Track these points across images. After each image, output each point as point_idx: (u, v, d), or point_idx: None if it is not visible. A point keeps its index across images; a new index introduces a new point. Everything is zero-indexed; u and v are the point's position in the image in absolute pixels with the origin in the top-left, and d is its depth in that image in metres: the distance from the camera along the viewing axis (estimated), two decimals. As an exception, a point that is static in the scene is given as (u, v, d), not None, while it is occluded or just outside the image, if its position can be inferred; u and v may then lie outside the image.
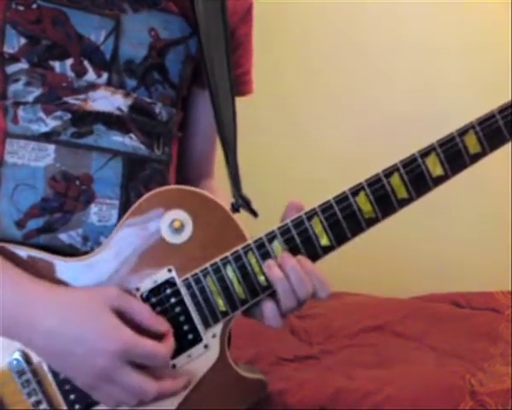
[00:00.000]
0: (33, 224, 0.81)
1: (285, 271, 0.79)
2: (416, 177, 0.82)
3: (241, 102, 1.00)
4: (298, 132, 2.42)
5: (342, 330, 1.86)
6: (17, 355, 0.78)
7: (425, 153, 0.82)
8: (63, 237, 0.82)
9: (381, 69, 2.36)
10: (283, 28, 2.40)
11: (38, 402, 0.79)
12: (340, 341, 1.81)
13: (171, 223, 0.80)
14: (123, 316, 0.76)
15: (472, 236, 2.32)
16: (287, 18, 2.40)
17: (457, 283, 2.13)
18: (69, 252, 0.82)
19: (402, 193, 0.82)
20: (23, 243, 0.81)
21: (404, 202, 0.82)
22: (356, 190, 0.82)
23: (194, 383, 0.82)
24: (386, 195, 0.82)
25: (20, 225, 0.81)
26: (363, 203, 0.81)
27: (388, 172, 0.82)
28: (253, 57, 1.05)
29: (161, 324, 0.79)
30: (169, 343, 0.78)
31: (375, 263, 2.30)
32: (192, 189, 0.84)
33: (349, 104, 2.38)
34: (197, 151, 1.03)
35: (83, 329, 0.74)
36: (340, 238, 0.82)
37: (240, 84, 1.01)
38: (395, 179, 0.81)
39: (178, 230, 0.80)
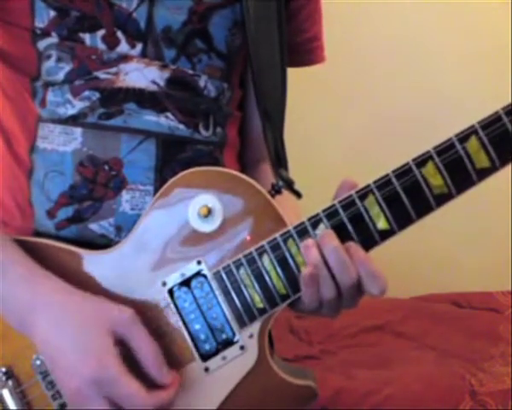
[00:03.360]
0: (63, 213, 0.76)
1: (323, 252, 0.69)
2: (500, 139, 0.67)
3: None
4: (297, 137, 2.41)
5: (342, 330, 1.86)
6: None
7: (511, 110, 0.66)
8: (94, 226, 0.76)
9: (383, 70, 2.36)
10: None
11: (63, 405, 0.72)
12: (340, 341, 1.82)
13: (199, 209, 0.73)
14: (125, 345, 0.69)
15: (472, 236, 2.32)
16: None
17: (457, 283, 2.14)
18: (102, 243, 0.76)
19: (482, 161, 0.68)
20: (50, 235, 0.76)
21: (484, 173, 0.68)
22: (422, 160, 0.68)
23: (231, 389, 0.74)
24: (461, 164, 0.68)
25: (51, 214, 0.76)
26: (432, 176, 0.68)
27: (464, 136, 0.67)
28: (321, 21, 0.92)
29: (164, 375, 0.69)
30: (160, 396, 0.68)
31: (375, 263, 2.30)
32: (222, 170, 0.76)
33: (352, 103, 2.38)
34: (257, 132, 0.90)
35: (73, 340, 0.68)
36: (402, 221, 0.70)
37: (306, 53, 0.91)
38: (472, 144, 0.67)
39: (207, 217, 0.72)
